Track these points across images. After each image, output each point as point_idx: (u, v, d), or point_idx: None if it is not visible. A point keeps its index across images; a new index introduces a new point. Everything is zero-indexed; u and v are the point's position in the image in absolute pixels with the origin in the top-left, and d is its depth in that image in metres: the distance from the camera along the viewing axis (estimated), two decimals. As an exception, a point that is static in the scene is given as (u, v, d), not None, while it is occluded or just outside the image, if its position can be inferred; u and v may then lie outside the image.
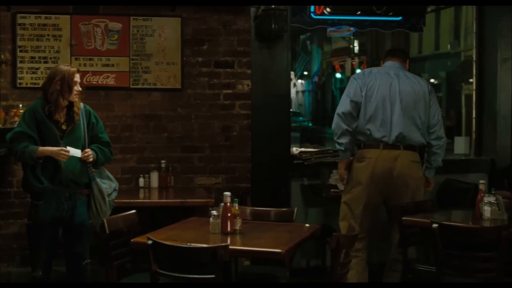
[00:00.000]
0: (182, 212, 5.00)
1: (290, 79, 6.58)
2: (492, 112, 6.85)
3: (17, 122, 4.79)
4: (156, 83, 6.09)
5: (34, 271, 4.38)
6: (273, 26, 5.90)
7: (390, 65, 5.30)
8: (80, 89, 4.40)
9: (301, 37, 27.37)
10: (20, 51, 5.89)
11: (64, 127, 4.37)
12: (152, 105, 6.11)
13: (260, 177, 6.21)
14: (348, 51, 27.34)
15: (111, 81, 6.03)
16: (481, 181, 4.88)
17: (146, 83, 6.08)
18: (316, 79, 31.81)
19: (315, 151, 6.41)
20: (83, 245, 4.47)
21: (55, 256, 4.47)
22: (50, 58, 5.92)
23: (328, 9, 6.49)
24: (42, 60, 5.92)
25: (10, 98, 5.87)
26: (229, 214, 3.96)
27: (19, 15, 5.87)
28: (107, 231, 4.08)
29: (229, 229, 3.96)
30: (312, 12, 6.52)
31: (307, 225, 4.59)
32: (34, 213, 4.37)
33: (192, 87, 6.15)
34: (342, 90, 8.53)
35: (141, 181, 5.93)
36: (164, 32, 6.10)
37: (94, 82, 5.98)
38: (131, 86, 6.06)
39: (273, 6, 5.88)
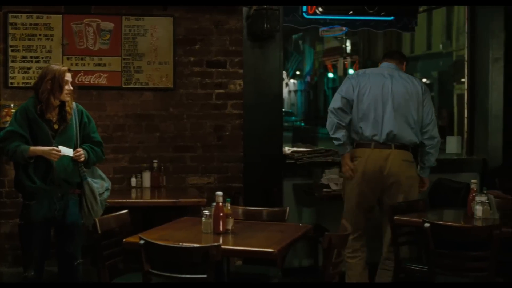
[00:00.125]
0: (174, 212, 4.99)
1: (282, 79, 6.57)
2: (484, 112, 6.86)
3: (8, 122, 4.78)
4: (148, 82, 6.08)
5: (26, 271, 4.38)
6: (265, 25, 5.90)
7: (385, 66, 5.33)
8: (71, 88, 4.38)
9: (294, 36, 27.44)
10: (12, 50, 5.86)
11: (56, 126, 4.36)
12: (144, 104, 6.10)
13: (252, 177, 6.21)
14: (340, 50, 27.41)
15: (103, 81, 6.01)
16: (472, 181, 4.89)
17: (138, 83, 6.07)
18: (308, 78, 31.90)
19: (308, 150, 6.41)
20: (75, 245, 4.46)
21: (47, 256, 4.46)
22: (42, 58, 5.90)
23: (320, 9, 6.50)
24: (34, 60, 5.90)
25: (2, 97, 5.84)
26: (221, 214, 3.97)
27: (10, 14, 5.85)
28: (99, 231, 4.08)
29: (221, 228, 3.96)
30: (304, 12, 6.53)
31: (299, 224, 4.59)
32: (26, 213, 4.36)
33: (184, 87, 6.15)
34: (334, 90, 8.55)
35: (133, 181, 5.93)
36: (156, 31, 6.09)
37: (86, 82, 5.97)
38: (123, 86, 6.04)
39: (265, 6, 5.88)
